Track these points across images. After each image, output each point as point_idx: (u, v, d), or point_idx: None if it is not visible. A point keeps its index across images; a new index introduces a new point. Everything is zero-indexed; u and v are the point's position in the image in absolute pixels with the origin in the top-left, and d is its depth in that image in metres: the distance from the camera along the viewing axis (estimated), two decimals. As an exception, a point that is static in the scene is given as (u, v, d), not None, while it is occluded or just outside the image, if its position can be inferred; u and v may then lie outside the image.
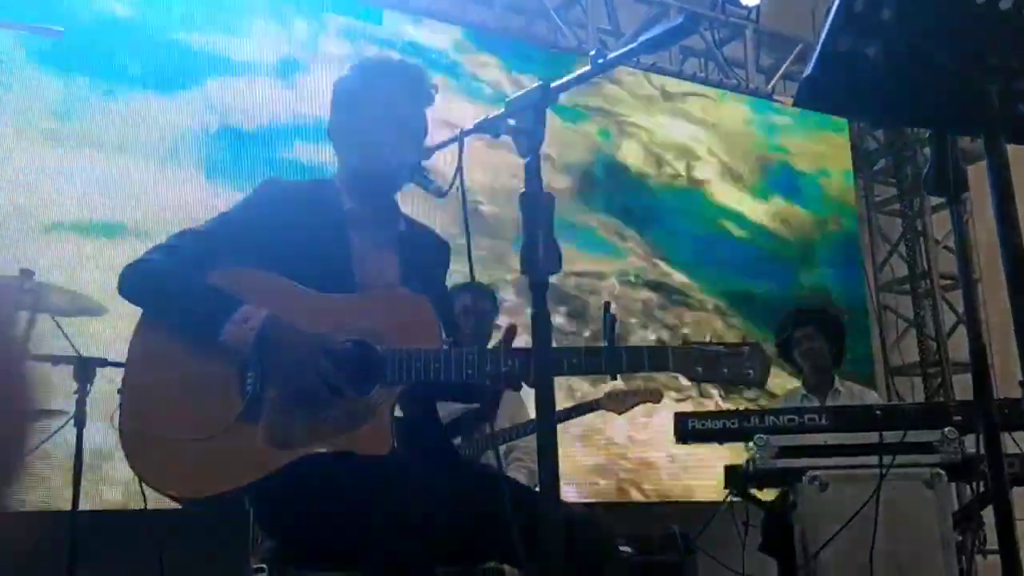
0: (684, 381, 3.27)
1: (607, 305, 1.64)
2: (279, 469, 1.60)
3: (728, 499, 2.78)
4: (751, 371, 1.66)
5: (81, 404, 2.70)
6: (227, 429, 1.63)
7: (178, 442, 1.62)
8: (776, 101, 6.00)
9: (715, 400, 5.04)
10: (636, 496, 4.84)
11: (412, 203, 2.07)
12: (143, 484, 1.66)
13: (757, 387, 1.69)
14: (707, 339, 1.70)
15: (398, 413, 1.66)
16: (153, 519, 2.50)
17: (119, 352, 1.86)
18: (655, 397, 3.38)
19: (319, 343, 1.66)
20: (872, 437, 2.53)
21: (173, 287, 1.72)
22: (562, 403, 3.33)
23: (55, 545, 2.57)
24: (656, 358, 1.67)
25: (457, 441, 2.84)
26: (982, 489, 2.51)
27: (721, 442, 2.74)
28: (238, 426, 1.64)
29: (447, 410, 2.17)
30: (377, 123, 1.84)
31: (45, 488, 3.31)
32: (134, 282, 1.74)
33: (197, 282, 1.71)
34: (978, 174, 1.28)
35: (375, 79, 1.89)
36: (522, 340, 1.63)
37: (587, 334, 4.84)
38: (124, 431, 1.65)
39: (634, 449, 4.82)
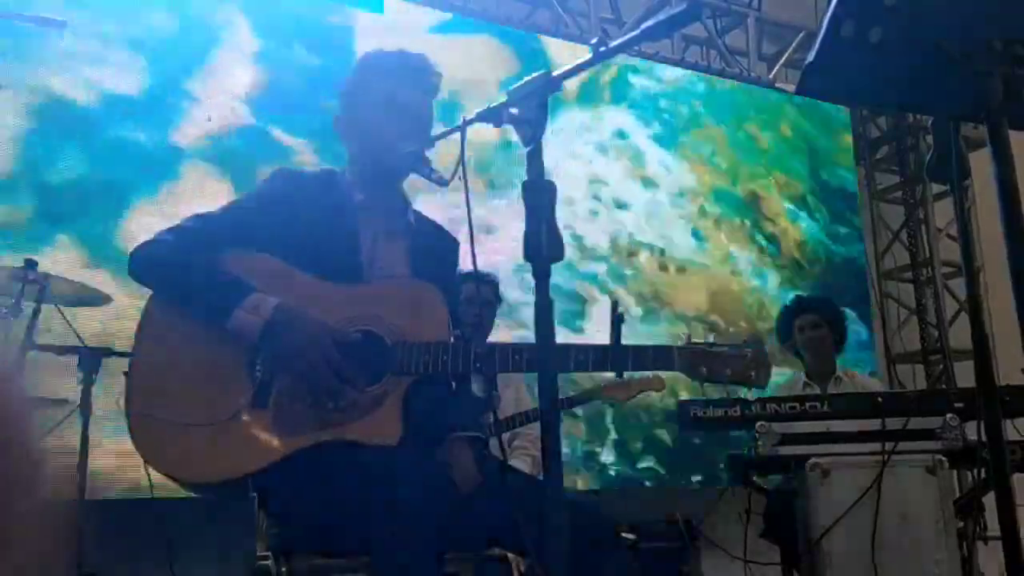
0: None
1: (615, 304, 1.65)
2: (287, 457, 1.60)
3: (730, 486, 2.79)
4: (753, 372, 1.70)
5: (86, 394, 2.71)
6: (235, 415, 1.64)
7: (186, 427, 1.63)
8: (778, 89, 5.98)
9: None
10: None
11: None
12: (148, 468, 1.66)
13: (759, 388, 1.73)
14: (710, 339, 1.72)
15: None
16: (159, 507, 2.52)
17: (123, 341, 1.87)
18: (657, 386, 3.39)
19: (328, 332, 1.67)
20: (874, 424, 2.54)
21: (184, 270, 1.73)
22: (565, 391, 3.35)
23: (62, 534, 2.59)
24: (661, 358, 1.70)
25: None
26: (983, 476, 2.52)
27: (724, 430, 2.74)
28: (247, 413, 1.64)
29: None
30: (378, 113, 1.84)
31: (51, 478, 3.32)
32: (145, 263, 1.75)
33: (209, 266, 1.72)
34: (981, 162, 1.28)
35: (376, 70, 1.90)
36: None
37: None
38: (132, 415, 1.66)
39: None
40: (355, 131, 1.90)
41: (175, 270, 1.73)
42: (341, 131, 1.93)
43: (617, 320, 1.64)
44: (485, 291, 3.22)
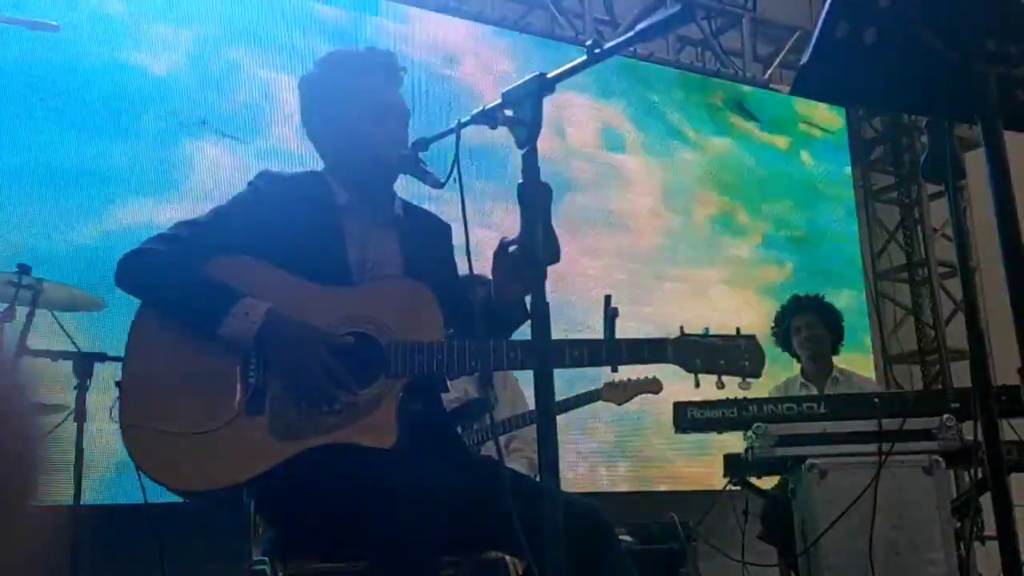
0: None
1: (608, 298, 1.65)
2: (283, 462, 1.60)
3: (727, 487, 2.79)
4: (747, 363, 1.70)
5: (81, 399, 2.70)
6: (230, 422, 1.63)
7: (181, 435, 1.62)
8: (773, 90, 5.99)
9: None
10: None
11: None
12: (143, 476, 1.65)
13: (753, 378, 1.73)
14: (703, 331, 1.72)
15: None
16: (154, 511, 2.51)
17: (118, 347, 1.86)
18: (655, 388, 3.38)
19: (321, 336, 1.66)
20: (871, 425, 2.54)
21: (173, 278, 1.71)
22: (562, 393, 3.34)
23: (58, 539, 2.57)
24: (655, 350, 1.70)
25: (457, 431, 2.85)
26: (980, 476, 2.52)
27: (720, 431, 2.74)
28: (241, 419, 1.63)
29: (446, 399, 2.16)
30: (365, 115, 1.82)
31: (46, 483, 3.31)
32: (133, 272, 1.73)
33: (197, 273, 1.70)
34: (976, 161, 1.28)
35: (352, 69, 1.87)
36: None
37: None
38: (125, 425, 1.64)
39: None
40: (340, 133, 1.86)
41: (164, 279, 1.71)
42: (316, 131, 1.89)
43: (610, 315, 1.63)
44: (482, 293, 3.22)
